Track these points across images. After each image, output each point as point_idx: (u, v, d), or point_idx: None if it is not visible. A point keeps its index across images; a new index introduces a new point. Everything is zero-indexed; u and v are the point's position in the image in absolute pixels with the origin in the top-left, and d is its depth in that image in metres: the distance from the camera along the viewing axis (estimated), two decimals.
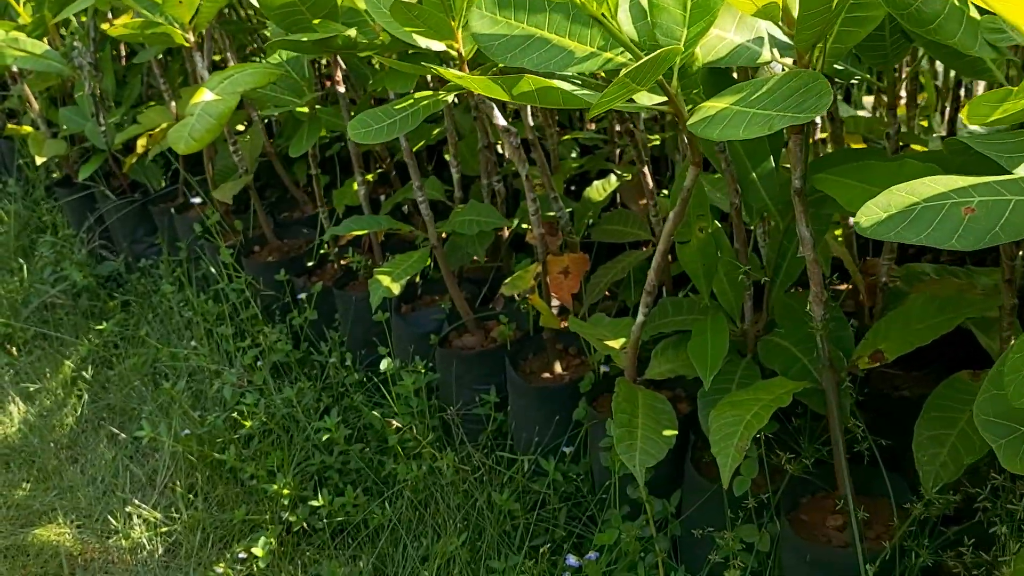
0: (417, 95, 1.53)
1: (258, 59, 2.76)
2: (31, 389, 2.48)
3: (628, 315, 1.68)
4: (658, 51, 1.01)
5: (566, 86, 1.11)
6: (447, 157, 2.17)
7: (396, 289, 1.63)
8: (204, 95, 1.76)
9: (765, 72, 1.22)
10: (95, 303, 2.72)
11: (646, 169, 1.56)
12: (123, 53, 2.82)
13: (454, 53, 1.48)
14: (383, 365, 1.66)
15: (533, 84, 1.06)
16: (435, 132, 2.00)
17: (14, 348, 2.66)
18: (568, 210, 1.74)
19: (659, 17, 1.15)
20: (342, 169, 2.42)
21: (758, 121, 0.97)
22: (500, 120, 1.52)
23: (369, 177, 2.15)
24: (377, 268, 1.67)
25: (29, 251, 3.04)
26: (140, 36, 1.90)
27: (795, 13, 1.03)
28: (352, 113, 1.93)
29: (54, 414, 2.42)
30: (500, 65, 1.55)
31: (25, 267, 2.82)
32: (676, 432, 1.22)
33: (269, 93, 1.90)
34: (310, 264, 2.22)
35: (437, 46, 1.45)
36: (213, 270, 2.36)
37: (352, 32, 1.60)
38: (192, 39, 2.01)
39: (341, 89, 1.89)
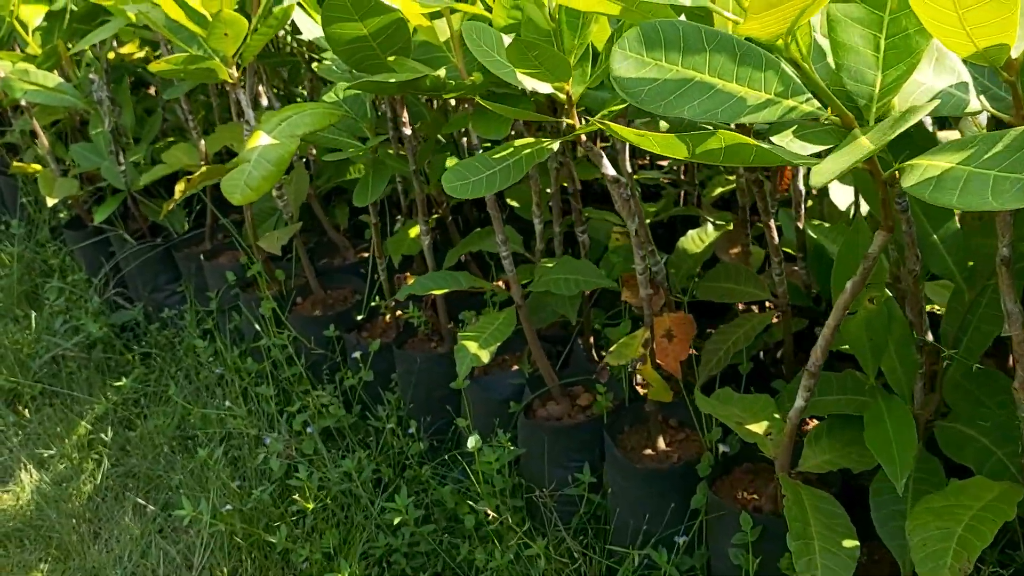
0: (518, 143, 1.36)
1: (300, 96, 2.58)
2: (44, 455, 2.26)
3: (741, 383, 1.52)
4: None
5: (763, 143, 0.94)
6: (510, 201, 2.01)
7: (486, 357, 1.45)
8: (260, 139, 1.58)
9: (968, 124, 1.07)
10: (110, 355, 2.51)
11: (772, 223, 1.40)
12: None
13: (562, 96, 1.31)
14: (470, 443, 1.47)
15: (725, 140, 0.89)
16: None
17: (22, 407, 2.44)
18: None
19: (845, 58, 0.99)
20: (388, 211, 2.24)
21: (1008, 187, 0.81)
22: (610, 170, 1.35)
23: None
24: (461, 332, 1.49)
25: (35, 298, 2.82)
26: (182, 72, 1.71)
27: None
28: (416, 157, 1.76)
29: (70, 482, 2.20)
30: (609, 110, 1.39)
31: (33, 316, 2.60)
32: (857, 544, 1.04)
33: (328, 136, 1.72)
34: (360, 318, 2.03)
35: (544, 88, 1.28)
36: (249, 322, 2.17)
37: (442, 72, 1.43)
38: (236, 75, 1.83)
39: (407, 131, 1.71)
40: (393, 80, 1.35)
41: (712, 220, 1.70)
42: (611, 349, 1.41)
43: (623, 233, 1.80)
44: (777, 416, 1.24)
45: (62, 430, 2.35)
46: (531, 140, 1.34)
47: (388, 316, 2.04)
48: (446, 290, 1.57)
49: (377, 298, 2.02)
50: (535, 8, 1.23)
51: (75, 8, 2.44)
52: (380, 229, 1.94)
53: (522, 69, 1.21)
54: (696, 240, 1.62)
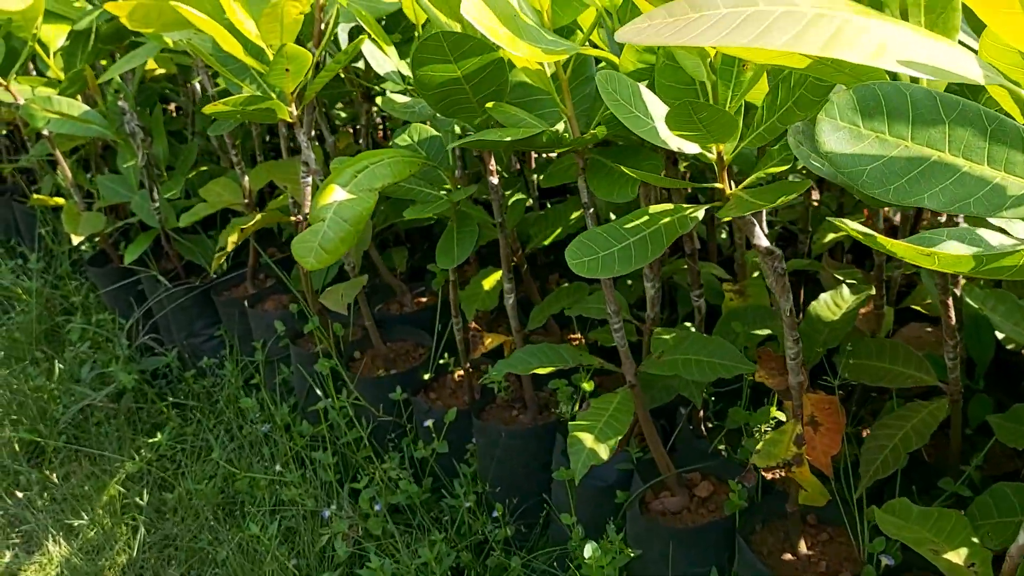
0: (653, 210, 1.15)
1: (338, 118, 2.37)
2: (74, 524, 2.05)
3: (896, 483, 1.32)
4: None
5: None
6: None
7: (605, 454, 1.25)
8: (335, 194, 1.37)
9: None
10: (141, 405, 2.30)
11: (951, 300, 1.19)
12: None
13: (711, 156, 1.11)
14: (587, 552, 1.27)
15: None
16: None
17: (46, 464, 2.23)
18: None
19: None
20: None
21: None
22: (764, 241, 1.15)
23: (497, 275, 1.76)
24: (572, 423, 1.28)
25: (55, 336, 2.61)
26: (239, 113, 1.51)
27: None
28: (502, 207, 1.55)
29: (103, 552, 2.00)
30: (767, 171, 1.19)
31: (56, 363, 2.39)
32: None
33: (406, 186, 1.51)
34: (427, 377, 1.83)
35: (691, 148, 1.08)
36: (300, 374, 1.97)
37: (560, 127, 1.23)
38: (296, 113, 1.62)
39: (494, 180, 1.51)
40: (509, 139, 1.15)
41: (840, 278, 1.50)
42: (758, 448, 1.21)
43: (737, 292, 1.60)
44: (975, 540, 1.05)
45: (91, 491, 2.15)
46: (669, 207, 1.13)
47: (459, 373, 1.83)
48: (551, 369, 1.36)
49: (446, 355, 1.82)
50: (692, 59, 1.03)
51: (101, 27, 2.24)
52: (456, 283, 1.73)
53: (680, 131, 1.01)
54: (831, 306, 1.42)
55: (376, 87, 1.87)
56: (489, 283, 1.75)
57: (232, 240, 1.62)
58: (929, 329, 1.54)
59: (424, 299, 2.09)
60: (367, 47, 1.56)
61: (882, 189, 0.79)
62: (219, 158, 2.34)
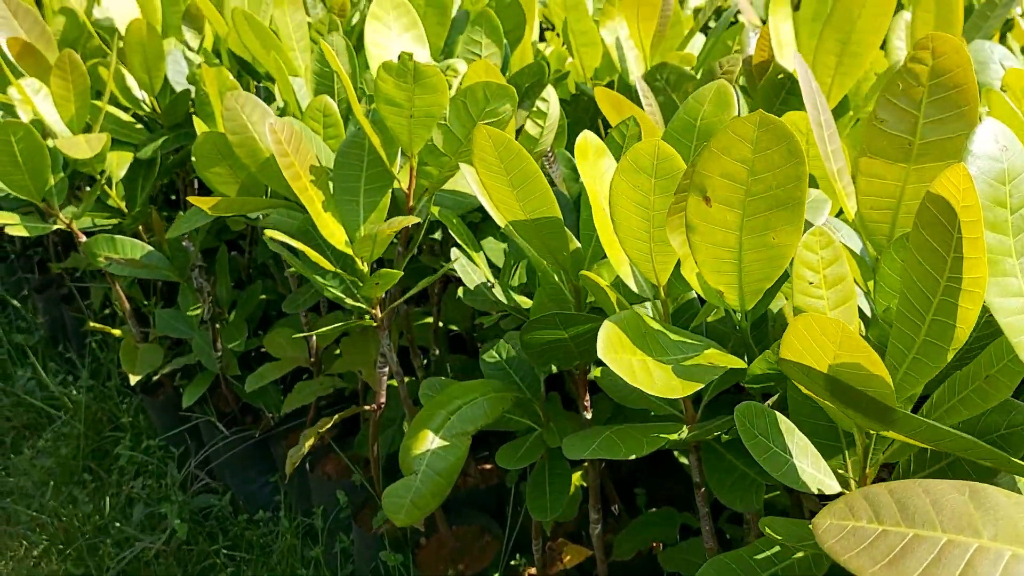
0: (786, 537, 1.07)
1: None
2: None
3: None
4: None
5: None
6: None
7: None
8: (428, 442, 1.30)
9: None
10: (190, 547, 2.25)
11: None
12: None
13: None
14: None
15: None
16: None
17: None
18: None
19: None
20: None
21: None
22: None
23: (577, 476, 1.68)
24: None
25: (102, 455, 2.56)
26: (328, 335, 1.45)
27: None
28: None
29: None
30: None
31: (107, 498, 2.33)
32: None
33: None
34: None
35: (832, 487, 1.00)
36: (362, 541, 1.90)
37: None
38: (380, 316, 1.56)
39: (587, 416, 1.44)
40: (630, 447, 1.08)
41: None
42: None
43: None
44: None
45: None
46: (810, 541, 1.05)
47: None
48: None
49: (518, 556, 1.75)
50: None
51: (166, 159, 2.19)
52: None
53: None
54: None
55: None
56: (572, 485, 1.67)
57: (308, 444, 1.56)
58: None
59: (487, 464, 2.02)
60: (458, 258, 1.50)
61: None
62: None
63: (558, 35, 1.92)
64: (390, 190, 1.47)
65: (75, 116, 2.03)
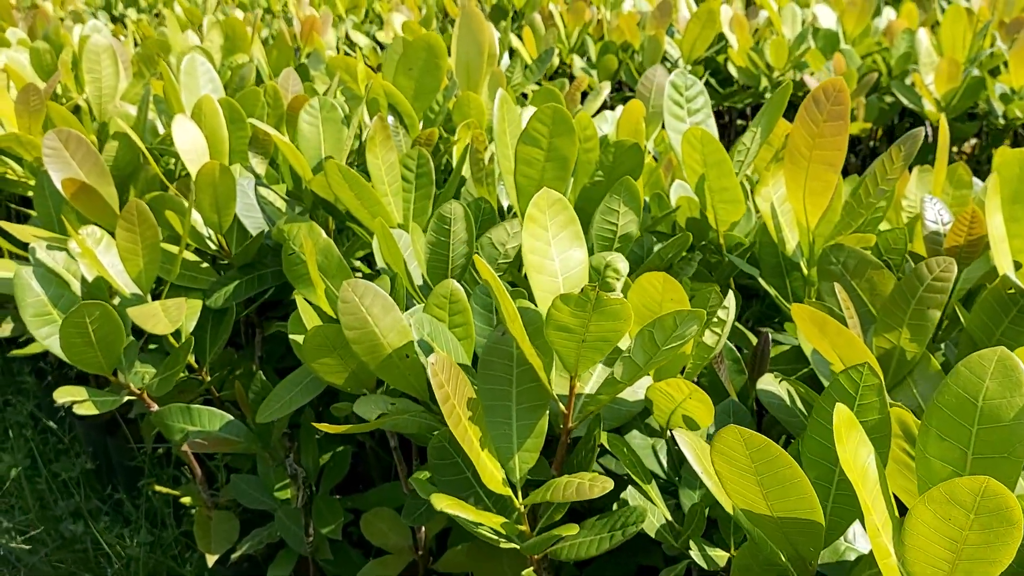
0: None
1: None
2: None
3: None
4: None
5: None
6: None
7: None
8: None
9: None
10: None
11: None
12: None
13: None
14: None
15: None
16: None
17: None
18: None
19: None
20: None
21: None
22: None
23: None
24: None
25: None
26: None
27: None
28: None
29: None
30: None
31: None
32: None
33: None
34: None
35: None
36: None
37: None
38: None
39: None
40: None
41: None
42: None
43: None
44: None
45: None
46: None
47: None
48: None
49: None
50: None
51: (239, 310, 1.98)
52: None
53: None
54: None
55: None
56: None
57: None
58: None
59: None
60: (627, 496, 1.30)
61: None
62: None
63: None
64: (547, 411, 1.28)
65: (144, 271, 1.83)
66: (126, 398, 1.81)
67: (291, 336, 1.60)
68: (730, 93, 3.74)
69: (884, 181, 1.44)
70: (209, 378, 1.92)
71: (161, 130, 2.42)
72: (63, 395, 1.75)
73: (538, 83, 3.96)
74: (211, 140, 2.03)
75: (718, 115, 4.37)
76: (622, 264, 1.32)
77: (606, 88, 2.43)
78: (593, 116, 2.30)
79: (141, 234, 1.81)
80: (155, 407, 1.86)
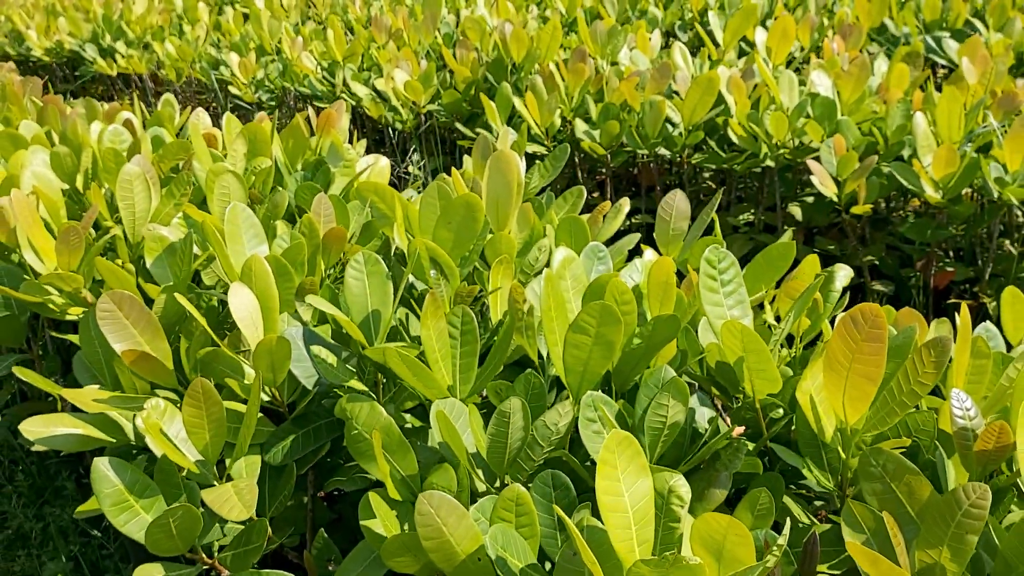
0: None
1: None
2: None
3: None
4: None
5: None
6: None
7: None
8: None
9: None
10: None
11: None
12: None
13: None
14: None
15: None
16: None
17: None
18: None
19: None
20: None
21: None
22: None
23: None
24: None
25: None
26: None
27: None
28: None
29: None
30: None
31: None
32: None
33: None
34: None
35: None
36: None
37: None
38: None
39: None
40: None
41: None
42: None
43: None
44: None
45: None
46: None
47: None
48: None
49: None
50: None
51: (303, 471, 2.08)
52: None
53: None
54: None
55: None
56: None
57: None
58: None
59: None
60: None
61: None
62: None
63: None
64: None
65: (210, 443, 1.92)
66: (201, 568, 1.91)
67: (362, 523, 1.71)
68: (731, 157, 3.84)
69: (916, 383, 1.56)
70: (272, 533, 2.03)
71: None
72: (143, 574, 1.85)
73: (548, 148, 4.05)
74: (262, 298, 2.12)
75: (719, 179, 4.48)
76: (684, 491, 1.44)
77: (625, 206, 2.53)
78: (619, 270, 2.39)
79: (207, 410, 1.90)
80: (227, 573, 1.96)
